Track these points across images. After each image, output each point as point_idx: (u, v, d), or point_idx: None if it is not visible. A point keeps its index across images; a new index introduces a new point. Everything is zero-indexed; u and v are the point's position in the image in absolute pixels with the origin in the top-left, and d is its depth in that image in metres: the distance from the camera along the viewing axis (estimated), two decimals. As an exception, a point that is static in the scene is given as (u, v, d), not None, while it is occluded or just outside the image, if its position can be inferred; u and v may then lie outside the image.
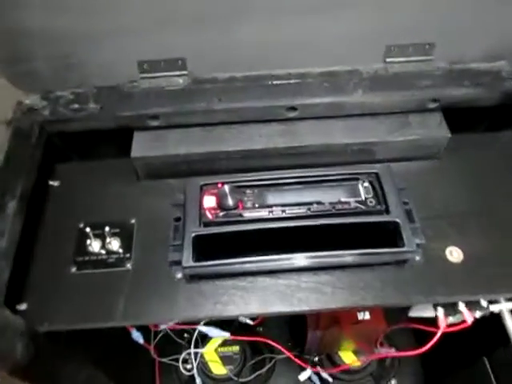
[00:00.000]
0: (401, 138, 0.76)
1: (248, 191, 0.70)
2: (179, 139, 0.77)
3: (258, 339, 1.06)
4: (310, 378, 1.30)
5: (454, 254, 0.68)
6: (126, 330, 0.90)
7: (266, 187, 0.71)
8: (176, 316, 0.67)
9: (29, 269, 0.70)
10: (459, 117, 0.80)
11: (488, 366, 0.93)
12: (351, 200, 0.69)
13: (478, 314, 0.72)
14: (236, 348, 1.34)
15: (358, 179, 0.71)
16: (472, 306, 0.72)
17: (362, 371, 1.37)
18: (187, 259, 0.65)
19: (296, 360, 1.16)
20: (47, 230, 0.74)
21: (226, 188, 0.68)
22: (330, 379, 1.30)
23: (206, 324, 0.88)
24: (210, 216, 0.68)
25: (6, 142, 0.72)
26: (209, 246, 0.67)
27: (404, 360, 1.40)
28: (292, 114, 0.76)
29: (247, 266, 0.66)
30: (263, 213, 0.68)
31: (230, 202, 0.68)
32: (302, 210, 0.68)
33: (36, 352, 0.60)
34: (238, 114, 0.76)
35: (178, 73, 0.78)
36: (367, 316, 1.09)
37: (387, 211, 0.68)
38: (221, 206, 0.69)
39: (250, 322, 1.12)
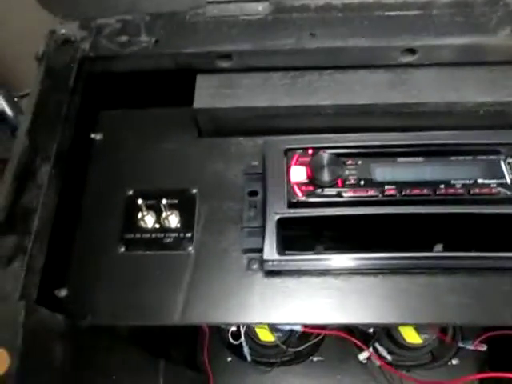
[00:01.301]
0: (556, 97, 0.55)
1: (349, 162, 0.53)
2: (256, 87, 0.59)
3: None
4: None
5: None
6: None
7: (374, 157, 0.53)
8: (249, 319, 0.52)
9: (70, 248, 0.56)
10: None
11: None
12: (492, 182, 0.50)
13: None
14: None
15: (499, 152, 0.53)
16: None
17: (421, 348, 1.25)
18: (270, 251, 0.49)
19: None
20: (90, 199, 0.59)
21: (325, 156, 0.51)
22: (389, 357, 1.18)
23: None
24: (299, 194, 0.52)
25: (37, 83, 0.55)
26: (296, 233, 0.52)
27: (468, 339, 1.27)
28: (409, 59, 0.57)
29: (348, 263, 0.50)
30: (371, 193, 0.51)
31: (327, 176, 0.51)
32: (424, 192, 0.50)
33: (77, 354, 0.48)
34: (335, 56, 0.57)
35: (256, -4, 0.59)
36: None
37: (542, 201, 0.49)
38: (314, 180, 0.51)
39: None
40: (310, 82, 0.58)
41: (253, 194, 0.55)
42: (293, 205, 0.51)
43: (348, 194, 0.51)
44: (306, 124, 0.59)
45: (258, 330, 1.26)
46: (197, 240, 0.56)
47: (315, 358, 1.31)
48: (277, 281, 0.52)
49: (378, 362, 1.16)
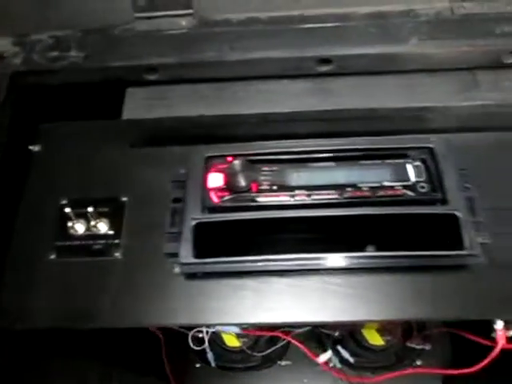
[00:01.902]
0: (466, 102, 0.58)
1: (265, 168, 0.55)
2: (183, 98, 0.62)
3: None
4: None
5: (530, 258, 0.53)
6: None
7: (289, 163, 0.55)
8: (173, 320, 0.54)
9: (4, 255, 0.58)
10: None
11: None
12: (397, 184, 0.53)
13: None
14: (252, 321, 1.23)
15: (406, 156, 0.55)
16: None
17: (385, 350, 1.27)
18: (186, 254, 0.52)
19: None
20: (26, 208, 0.61)
21: (237, 164, 0.54)
22: (352, 359, 1.20)
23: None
24: (215, 199, 0.54)
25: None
26: (213, 237, 0.54)
27: (431, 340, 1.29)
28: (325, 68, 0.59)
29: (261, 264, 0.52)
30: (283, 197, 0.53)
31: (242, 182, 0.54)
32: (333, 196, 0.53)
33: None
34: (255, 67, 0.59)
35: (181, 12, 0.62)
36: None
37: (444, 200, 0.52)
38: (230, 186, 0.54)
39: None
40: (235, 92, 0.61)
41: (176, 200, 0.57)
42: (209, 210, 0.54)
43: (261, 199, 0.53)
44: (232, 132, 0.61)
45: (224, 336, 1.28)
46: (124, 246, 0.58)
47: (283, 363, 1.32)
48: (197, 283, 0.55)
49: (339, 365, 1.18)
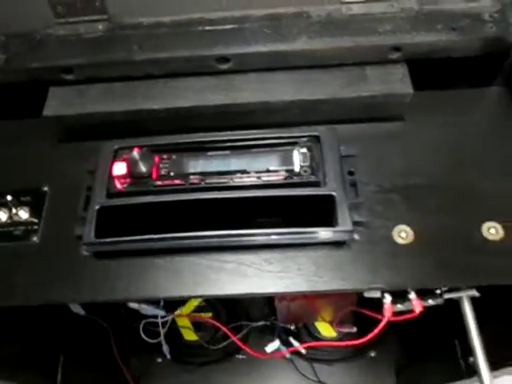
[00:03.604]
0: (354, 94, 0.63)
1: (165, 156, 0.61)
2: (99, 95, 0.67)
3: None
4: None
5: (403, 235, 0.58)
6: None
7: (187, 152, 0.61)
8: (80, 297, 0.59)
9: None
10: (433, 70, 0.67)
11: (459, 349, 0.84)
12: (282, 169, 0.58)
13: (431, 303, 0.62)
14: (209, 315, 1.29)
15: (294, 144, 0.60)
16: (423, 293, 0.62)
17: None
18: (88, 235, 0.57)
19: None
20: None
21: (136, 153, 0.59)
22: (303, 351, 1.24)
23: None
24: (118, 185, 0.59)
25: None
26: (117, 220, 0.59)
27: (384, 333, 1.33)
28: (225, 66, 0.65)
29: (159, 243, 0.57)
30: (178, 182, 0.58)
31: (142, 169, 0.59)
32: (223, 180, 0.58)
33: None
34: (161, 66, 0.65)
35: (97, 17, 0.67)
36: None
37: (322, 183, 0.57)
38: (132, 173, 0.59)
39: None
40: (144, 89, 0.66)
41: (89, 188, 0.62)
42: (112, 195, 0.59)
43: (159, 184, 0.59)
44: (142, 126, 0.67)
45: (182, 330, 1.32)
46: (42, 231, 0.63)
47: (241, 356, 1.36)
48: (104, 262, 0.60)
49: (288, 355, 1.22)
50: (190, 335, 1.30)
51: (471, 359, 0.64)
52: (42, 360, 0.86)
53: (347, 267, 0.56)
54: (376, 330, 0.62)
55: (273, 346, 1.16)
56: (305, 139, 0.61)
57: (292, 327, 1.31)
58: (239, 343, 0.98)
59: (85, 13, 0.67)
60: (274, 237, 0.56)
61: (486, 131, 0.65)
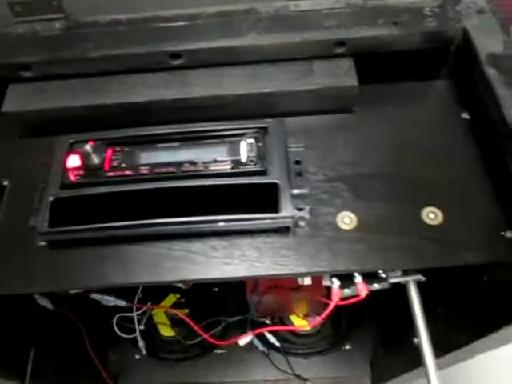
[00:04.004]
0: (301, 87, 0.66)
1: (118, 149, 0.63)
2: (57, 92, 0.69)
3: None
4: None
5: (346, 221, 0.60)
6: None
7: (138, 145, 0.63)
8: (32, 287, 0.61)
9: None
10: (381, 64, 0.69)
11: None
12: (229, 159, 0.60)
13: (376, 287, 0.64)
14: (186, 310, 1.31)
15: (243, 135, 0.63)
16: (369, 277, 0.64)
17: (315, 335, 1.34)
18: (41, 225, 0.59)
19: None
20: None
21: (89, 146, 0.61)
22: (278, 343, 1.26)
23: (107, 292, 0.82)
24: (71, 177, 0.61)
25: None
26: (71, 211, 0.61)
27: (359, 325, 1.36)
28: (177, 62, 0.67)
29: (109, 232, 0.59)
30: (129, 172, 0.60)
31: (95, 161, 0.61)
32: (171, 170, 0.60)
33: None
34: (116, 63, 0.67)
35: (54, 15, 0.69)
36: (308, 281, 1.04)
37: (266, 172, 0.59)
38: (85, 166, 0.61)
39: (182, 286, 1.07)
40: (100, 85, 0.69)
41: (45, 181, 0.64)
42: (66, 186, 0.61)
43: (110, 175, 0.61)
44: (99, 121, 0.69)
45: (159, 326, 1.34)
46: (2, 223, 0.65)
47: (219, 351, 1.38)
48: (58, 252, 0.62)
49: (261, 348, 1.24)
50: (167, 331, 1.32)
51: (415, 340, 0.66)
52: (12, 352, 0.87)
53: (290, 253, 0.59)
54: (324, 314, 0.64)
55: (246, 339, 1.18)
56: (252, 131, 0.63)
57: (268, 321, 1.33)
58: (211, 340, 1.00)
59: (42, 12, 0.69)
60: (220, 224, 0.58)
61: (430, 123, 0.68)
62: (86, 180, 0.61)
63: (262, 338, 1.25)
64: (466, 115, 0.68)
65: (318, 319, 0.66)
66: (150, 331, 1.32)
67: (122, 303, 0.79)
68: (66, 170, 0.62)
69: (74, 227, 0.59)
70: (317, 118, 0.69)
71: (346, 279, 0.65)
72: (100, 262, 0.60)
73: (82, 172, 0.61)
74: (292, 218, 0.57)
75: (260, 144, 0.62)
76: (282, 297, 1.06)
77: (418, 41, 0.65)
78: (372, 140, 0.67)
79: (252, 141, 0.62)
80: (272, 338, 1.25)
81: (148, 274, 0.60)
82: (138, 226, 0.59)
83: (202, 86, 0.67)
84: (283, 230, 0.60)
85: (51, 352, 0.98)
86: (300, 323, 1.28)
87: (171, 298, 1.32)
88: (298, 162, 0.63)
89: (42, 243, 0.62)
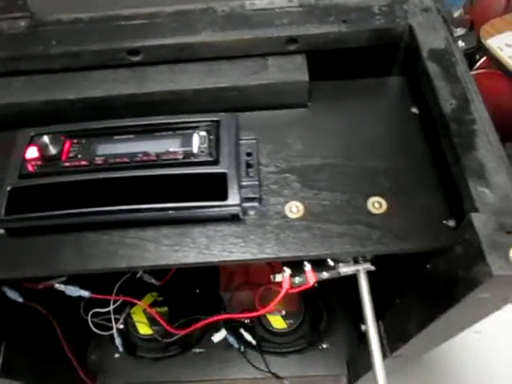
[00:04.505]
0: (254, 82, 0.68)
1: (75, 141, 0.65)
2: (21, 87, 0.72)
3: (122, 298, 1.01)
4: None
5: (294, 210, 0.62)
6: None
7: (96, 137, 0.65)
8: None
9: None
10: (336, 61, 0.72)
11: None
12: (181, 150, 0.63)
13: (325, 275, 0.66)
14: (165, 309, 1.32)
15: (196, 128, 0.65)
16: (318, 266, 0.66)
17: (292, 334, 1.35)
18: (-2, 213, 0.61)
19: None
20: None
21: (47, 138, 0.63)
22: (254, 341, 1.27)
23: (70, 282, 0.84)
24: (29, 168, 0.64)
25: None
26: (29, 200, 0.63)
27: (337, 324, 1.37)
28: (136, 58, 0.70)
29: (66, 219, 0.62)
30: (84, 163, 0.63)
31: (52, 152, 0.63)
32: (125, 161, 0.62)
33: None
34: (77, 59, 0.70)
35: (19, 14, 0.72)
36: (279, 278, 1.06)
37: (216, 162, 0.61)
38: (43, 157, 0.64)
39: (156, 283, 1.08)
40: (63, 81, 0.71)
41: (4, 172, 0.66)
42: (24, 176, 0.63)
43: (67, 165, 0.63)
44: (61, 115, 0.71)
45: (137, 324, 1.36)
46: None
47: (197, 350, 1.40)
48: (16, 240, 0.64)
49: (236, 345, 1.25)
50: (145, 329, 1.33)
51: (363, 327, 0.68)
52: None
53: (238, 240, 0.61)
54: (275, 301, 0.66)
55: (219, 335, 1.19)
56: (205, 124, 0.65)
57: (247, 321, 1.34)
58: (170, 329, 1.01)
59: (8, 11, 0.72)
60: (171, 212, 0.60)
61: (381, 117, 0.70)
62: (44, 170, 0.63)
63: (237, 336, 1.26)
64: (415, 110, 0.70)
65: (270, 305, 0.67)
66: (129, 330, 1.34)
67: (86, 293, 0.80)
68: (24, 161, 0.64)
69: (29, 215, 0.61)
70: (272, 112, 0.71)
71: (298, 268, 0.67)
72: (56, 250, 0.62)
73: (40, 163, 0.64)
74: (239, 205, 0.59)
75: (212, 136, 0.64)
76: (253, 292, 1.08)
77: (367, 38, 0.68)
78: (324, 134, 0.69)
79: (204, 133, 0.64)
80: (248, 336, 1.27)
81: (103, 261, 0.62)
82: (91, 213, 0.61)
83: (159, 81, 0.70)
84: (233, 219, 0.62)
85: (24, 347, 1.00)
86: (278, 323, 1.30)
87: (150, 297, 1.34)
88: (249, 154, 0.65)
89: (0, 231, 0.64)
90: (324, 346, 1.37)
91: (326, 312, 1.41)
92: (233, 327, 1.33)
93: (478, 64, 2.20)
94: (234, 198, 0.59)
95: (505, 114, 2.40)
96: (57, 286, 0.76)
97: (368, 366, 1.10)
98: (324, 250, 0.59)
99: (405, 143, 0.67)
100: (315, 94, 0.72)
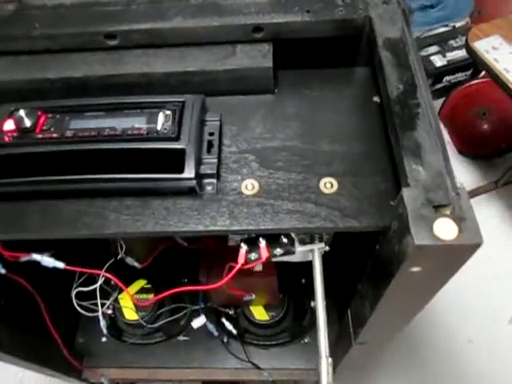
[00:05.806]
0: (220, 67, 0.72)
1: (49, 116, 0.69)
2: (5, 66, 0.77)
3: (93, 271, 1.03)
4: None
5: (249, 187, 0.66)
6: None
7: (69, 113, 0.70)
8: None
9: None
10: (303, 50, 0.75)
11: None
12: (145, 127, 0.67)
13: (279, 251, 0.69)
14: (151, 295, 1.36)
15: (163, 107, 0.69)
16: (272, 243, 0.69)
17: (274, 327, 1.37)
18: (-32, 181, 0.65)
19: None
20: None
21: (22, 111, 0.68)
22: (234, 331, 1.30)
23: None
24: (6, 138, 0.68)
25: None
26: (5, 169, 0.68)
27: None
28: (113, 42, 0.74)
29: (33, 186, 0.66)
30: (55, 135, 0.67)
31: (26, 124, 0.68)
32: (93, 134, 0.66)
33: None
34: (58, 41, 0.74)
35: (8, -1, 0.77)
36: (259, 267, 1.08)
37: (177, 139, 0.65)
38: (18, 129, 0.68)
39: (138, 266, 1.12)
40: (44, 61, 0.76)
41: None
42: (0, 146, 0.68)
43: (39, 137, 0.68)
44: (43, 94, 0.76)
45: (124, 310, 1.39)
46: None
47: (182, 338, 1.43)
48: (-9, 206, 0.68)
49: (216, 333, 1.27)
50: (131, 315, 1.37)
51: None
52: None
53: (194, 213, 0.64)
54: (229, 275, 0.69)
55: (199, 321, 1.22)
56: (172, 104, 0.69)
57: (231, 312, 1.37)
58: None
59: (-2, -5, 0.77)
60: (131, 183, 0.64)
61: (343, 105, 0.73)
62: (18, 141, 0.68)
63: (218, 324, 1.29)
64: (376, 99, 0.73)
65: (224, 279, 0.70)
66: (116, 315, 1.38)
67: (61, 265, 0.84)
68: (1, 132, 0.69)
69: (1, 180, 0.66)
70: (239, 97, 0.75)
71: (254, 245, 0.70)
72: (24, 215, 0.66)
73: (15, 134, 0.68)
74: (194, 179, 0.63)
75: (176, 116, 0.67)
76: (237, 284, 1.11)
77: (329, 28, 0.71)
78: (286, 118, 0.72)
79: (169, 112, 0.68)
80: (229, 326, 1.29)
81: (66, 228, 0.66)
82: (57, 181, 0.65)
83: (133, 64, 0.74)
84: (191, 193, 0.65)
85: (7, 318, 1.04)
86: (260, 315, 1.33)
87: (138, 283, 1.38)
88: (211, 134, 0.68)
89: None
90: (306, 340, 1.39)
91: (310, 308, 1.43)
92: (216, 317, 1.37)
93: (483, 73, 2.21)
94: (189, 172, 0.63)
95: (509, 123, 2.40)
96: (34, 256, 0.80)
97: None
98: (274, 224, 0.62)
99: (363, 130, 0.70)
100: (283, 81, 0.76)
